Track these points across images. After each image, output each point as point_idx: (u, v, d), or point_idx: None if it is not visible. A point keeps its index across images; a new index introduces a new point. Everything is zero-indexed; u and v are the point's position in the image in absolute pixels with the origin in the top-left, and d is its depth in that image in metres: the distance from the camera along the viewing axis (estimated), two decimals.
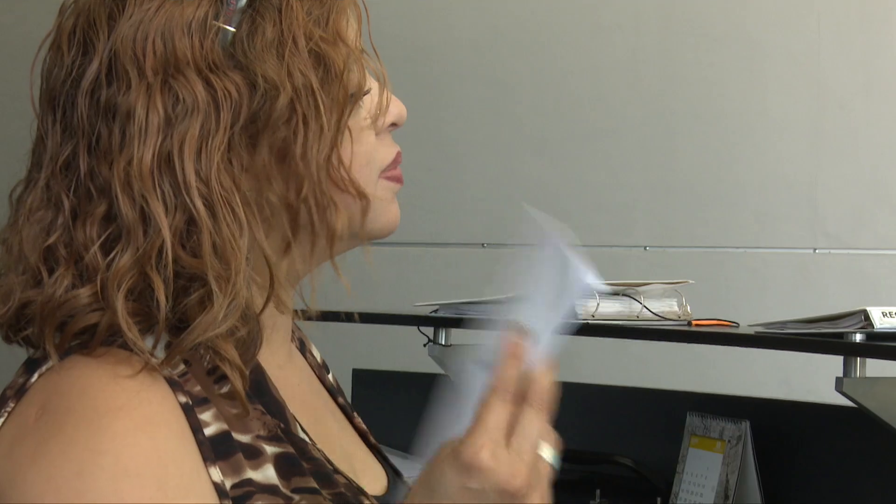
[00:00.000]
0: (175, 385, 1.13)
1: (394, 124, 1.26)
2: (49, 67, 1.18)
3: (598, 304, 2.68)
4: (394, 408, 3.26)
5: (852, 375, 2.27)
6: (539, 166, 4.62)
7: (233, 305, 1.12)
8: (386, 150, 1.25)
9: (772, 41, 4.45)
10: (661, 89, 4.54)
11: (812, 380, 2.95)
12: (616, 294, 2.72)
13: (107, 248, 1.12)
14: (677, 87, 4.53)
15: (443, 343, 3.03)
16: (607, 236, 4.52)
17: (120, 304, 1.10)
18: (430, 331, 3.05)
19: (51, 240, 1.14)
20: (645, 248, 4.57)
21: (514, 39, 4.67)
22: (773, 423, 2.60)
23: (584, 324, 2.67)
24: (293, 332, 1.34)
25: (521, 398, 1.10)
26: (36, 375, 1.14)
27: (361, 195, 1.20)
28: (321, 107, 1.16)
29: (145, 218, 1.12)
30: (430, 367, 3.11)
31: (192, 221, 1.12)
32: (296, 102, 1.15)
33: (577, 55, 4.61)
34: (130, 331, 1.10)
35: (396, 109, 1.25)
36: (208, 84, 1.14)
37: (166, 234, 1.11)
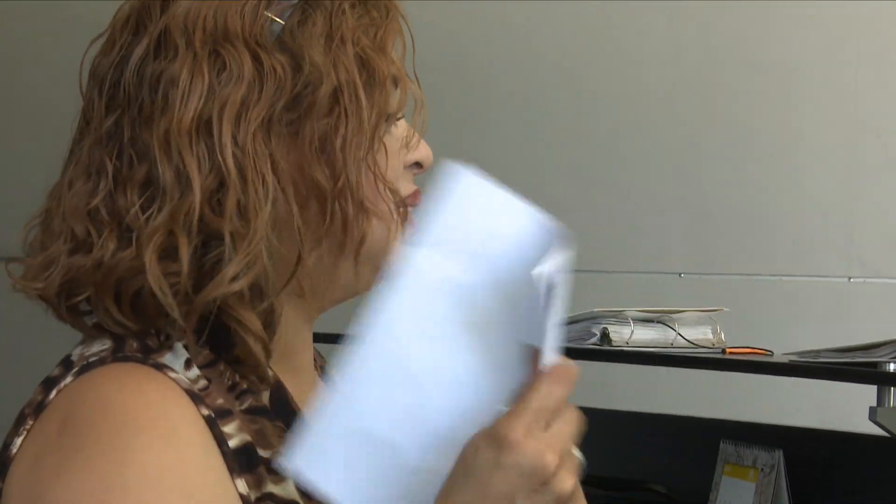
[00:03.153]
0: (196, 398, 1.13)
1: (418, 164, 1.25)
2: (98, 62, 1.19)
3: (633, 332, 2.68)
4: None
5: (886, 405, 2.27)
6: (574, 192, 4.62)
7: (250, 266, 1.12)
8: (406, 186, 1.24)
9: (809, 70, 4.45)
10: (698, 116, 4.54)
11: (846, 409, 2.94)
12: (650, 321, 2.73)
13: (146, 211, 1.13)
14: (714, 114, 4.53)
15: None
16: (642, 263, 4.52)
17: (149, 260, 1.11)
18: None
19: (93, 203, 1.14)
20: (680, 274, 4.57)
21: (551, 64, 4.67)
22: (807, 451, 2.59)
23: (618, 351, 2.67)
24: (315, 359, 1.33)
25: (565, 393, 1.09)
26: (54, 392, 1.14)
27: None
28: (363, 108, 1.16)
29: (181, 178, 1.12)
30: None
31: (223, 183, 1.12)
32: (339, 95, 1.15)
33: (615, 82, 4.62)
34: (162, 291, 1.10)
35: (425, 151, 1.25)
36: (255, 58, 1.14)
37: (197, 191, 1.11)
